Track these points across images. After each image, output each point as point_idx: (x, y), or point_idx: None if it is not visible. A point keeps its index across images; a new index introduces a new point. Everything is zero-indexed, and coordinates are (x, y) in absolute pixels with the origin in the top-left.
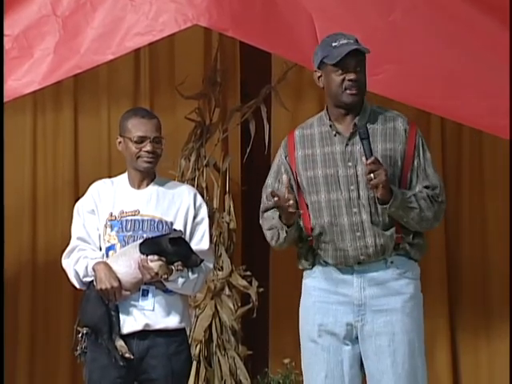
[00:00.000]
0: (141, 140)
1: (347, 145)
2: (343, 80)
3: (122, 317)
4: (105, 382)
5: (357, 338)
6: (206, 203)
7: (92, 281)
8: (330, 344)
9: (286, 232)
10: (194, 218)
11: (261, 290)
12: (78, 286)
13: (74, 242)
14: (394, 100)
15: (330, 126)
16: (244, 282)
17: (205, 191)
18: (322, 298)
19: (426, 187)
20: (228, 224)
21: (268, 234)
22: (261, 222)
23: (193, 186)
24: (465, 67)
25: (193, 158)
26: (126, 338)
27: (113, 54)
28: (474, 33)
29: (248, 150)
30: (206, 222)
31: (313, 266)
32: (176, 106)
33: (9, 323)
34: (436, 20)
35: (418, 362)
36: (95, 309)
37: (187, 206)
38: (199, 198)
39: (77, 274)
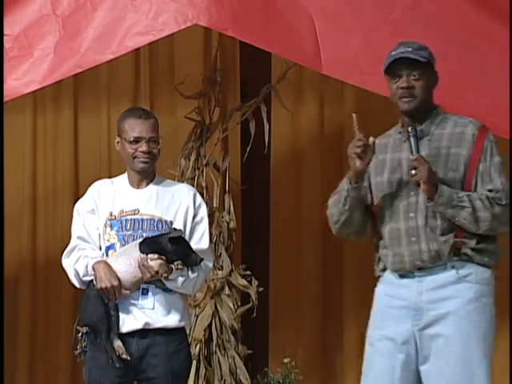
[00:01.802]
0: (136, 140)
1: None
2: (397, 88)
3: (121, 316)
4: (105, 380)
5: (415, 343)
6: (206, 203)
7: (92, 280)
8: (386, 348)
9: (348, 190)
10: (194, 217)
11: (261, 289)
12: (77, 285)
13: (73, 241)
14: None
15: (400, 132)
16: (244, 282)
17: (205, 190)
18: (386, 303)
19: (490, 190)
20: (228, 223)
21: (331, 201)
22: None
23: (193, 185)
24: (465, 66)
25: (193, 158)
26: (126, 336)
27: (113, 53)
28: (475, 31)
29: (248, 150)
30: (206, 221)
31: (383, 271)
32: (176, 106)
33: (9, 322)
34: (436, 19)
35: (475, 369)
36: (95, 308)
37: (187, 206)
38: (199, 197)
39: (77, 273)
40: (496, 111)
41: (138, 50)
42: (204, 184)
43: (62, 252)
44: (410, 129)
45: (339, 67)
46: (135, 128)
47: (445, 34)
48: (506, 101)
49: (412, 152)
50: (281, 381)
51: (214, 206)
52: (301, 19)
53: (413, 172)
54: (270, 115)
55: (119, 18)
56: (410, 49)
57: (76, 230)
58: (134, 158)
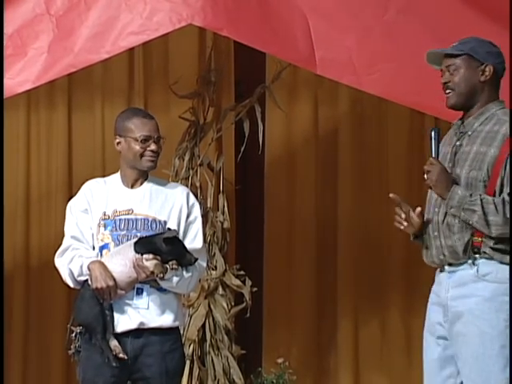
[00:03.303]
0: (145, 139)
1: (454, 145)
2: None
3: (116, 315)
4: (99, 380)
5: (446, 338)
6: (200, 203)
7: (87, 280)
8: (428, 344)
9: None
10: (187, 217)
11: (254, 289)
12: (71, 284)
13: (67, 240)
14: (388, 99)
15: (455, 124)
16: (238, 282)
17: (199, 190)
18: (431, 299)
19: (509, 194)
20: (222, 223)
21: None
22: None
23: (187, 185)
24: None
25: (187, 158)
26: (121, 336)
27: (107, 53)
28: (469, 31)
29: (242, 150)
30: (199, 220)
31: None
32: (170, 105)
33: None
34: (430, 18)
35: (490, 367)
36: (90, 308)
37: (180, 205)
38: (192, 197)
39: (71, 272)
40: None
41: (132, 49)
42: (198, 184)
43: (56, 252)
44: (432, 132)
45: (334, 67)
46: (144, 127)
47: (439, 34)
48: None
49: (431, 155)
50: (274, 381)
51: (208, 206)
52: (295, 19)
53: (425, 176)
54: (264, 115)
55: (113, 18)
56: (455, 44)
57: (69, 229)
58: (142, 156)
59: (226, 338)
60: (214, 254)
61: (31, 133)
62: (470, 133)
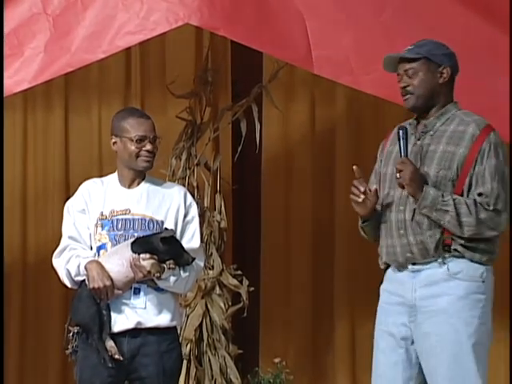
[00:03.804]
0: (141, 139)
1: (414, 145)
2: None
3: (113, 315)
4: (96, 380)
5: (412, 340)
6: (197, 202)
7: (84, 280)
8: (387, 344)
9: (361, 227)
10: (185, 216)
11: (251, 289)
12: (69, 285)
13: (64, 241)
14: (385, 99)
15: (410, 124)
16: (235, 281)
17: (196, 190)
18: (386, 300)
19: (479, 194)
20: (219, 223)
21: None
22: None
23: (184, 185)
24: None
25: (184, 157)
26: (118, 336)
27: (104, 52)
28: (465, 31)
29: (239, 150)
30: (197, 220)
31: (385, 265)
32: (167, 105)
33: None
34: (426, 19)
35: (467, 365)
36: (87, 308)
37: (177, 205)
38: (189, 196)
39: (68, 273)
40: (484, 111)
41: (129, 49)
42: (195, 184)
43: (53, 252)
44: (400, 131)
45: (331, 67)
46: (139, 127)
47: (435, 34)
48: (500, 102)
49: (400, 154)
50: (271, 380)
51: (205, 205)
52: (292, 19)
53: (397, 175)
54: (261, 115)
55: (110, 17)
56: (411, 47)
57: (67, 229)
58: (138, 156)
59: (223, 337)
60: (211, 253)
61: (28, 133)
62: (432, 132)
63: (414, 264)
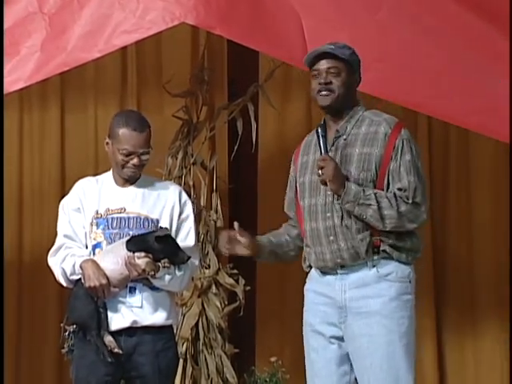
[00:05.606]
0: (128, 153)
1: (330, 151)
2: (317, 83)
3: (109, 314)
4: (92, 379)
5: (342, 339)
6: (193, 201)
7: (80, 278)
8: (319, 344)
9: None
10: (180, 215)
11: (247, 288)
12: (64, 283)
13: (60, 239)
14: (381, 98)
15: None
16: (231, 281)
17: (192, 189)
18: (313, 299)
19: (399, 189)
20: (215, 222)
21: None
22: None
23: (180, 184)
24: (451, 65)
25: (180, 156)
26: (114, 334)
27: (100, 51)
28: (461, 30)
29: (235, 149)
30: (192, 219)
31: (309, 268)
32: (163, 104)
33: None
34: (422, 18)
35: (399, 364)
36: (84, 306)
37: (172, 204)
38: (184, 195)
39: (64, 271)
40: (482, 111)
41: (125, 48)
42: (191, 183)
43: (48, 250)
44: (318, 129)
45: None
46: (129, 141)
47: (431, 33)
48: (500, 104)
49: (321, 152)
50: (267, 380)
51: (202, 204)
52: (288, 18)
53: (319, 172)
54: (257, 114)
55: (106, 16)
56: (333, 46)
57: (62, 228)
58: (123, 167)
59: (219, 336)
60: (208, 252)
61: (24, 133)
62: (345, 137)
63: (342, 267)
